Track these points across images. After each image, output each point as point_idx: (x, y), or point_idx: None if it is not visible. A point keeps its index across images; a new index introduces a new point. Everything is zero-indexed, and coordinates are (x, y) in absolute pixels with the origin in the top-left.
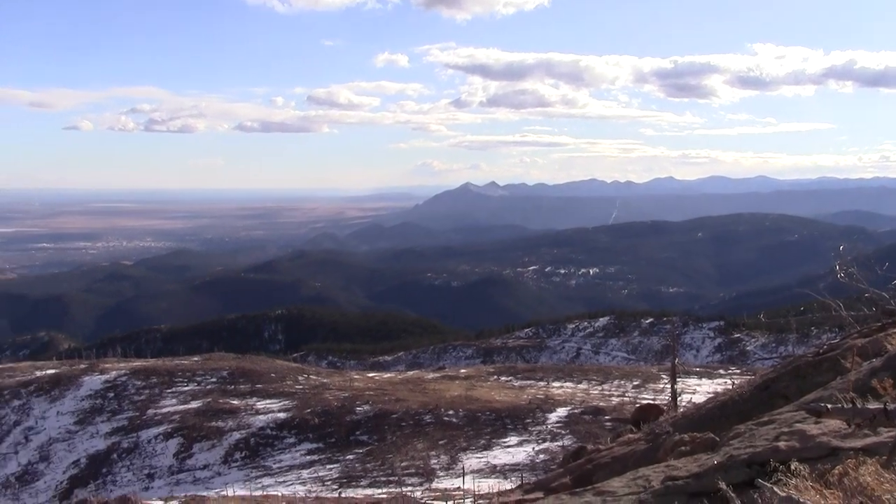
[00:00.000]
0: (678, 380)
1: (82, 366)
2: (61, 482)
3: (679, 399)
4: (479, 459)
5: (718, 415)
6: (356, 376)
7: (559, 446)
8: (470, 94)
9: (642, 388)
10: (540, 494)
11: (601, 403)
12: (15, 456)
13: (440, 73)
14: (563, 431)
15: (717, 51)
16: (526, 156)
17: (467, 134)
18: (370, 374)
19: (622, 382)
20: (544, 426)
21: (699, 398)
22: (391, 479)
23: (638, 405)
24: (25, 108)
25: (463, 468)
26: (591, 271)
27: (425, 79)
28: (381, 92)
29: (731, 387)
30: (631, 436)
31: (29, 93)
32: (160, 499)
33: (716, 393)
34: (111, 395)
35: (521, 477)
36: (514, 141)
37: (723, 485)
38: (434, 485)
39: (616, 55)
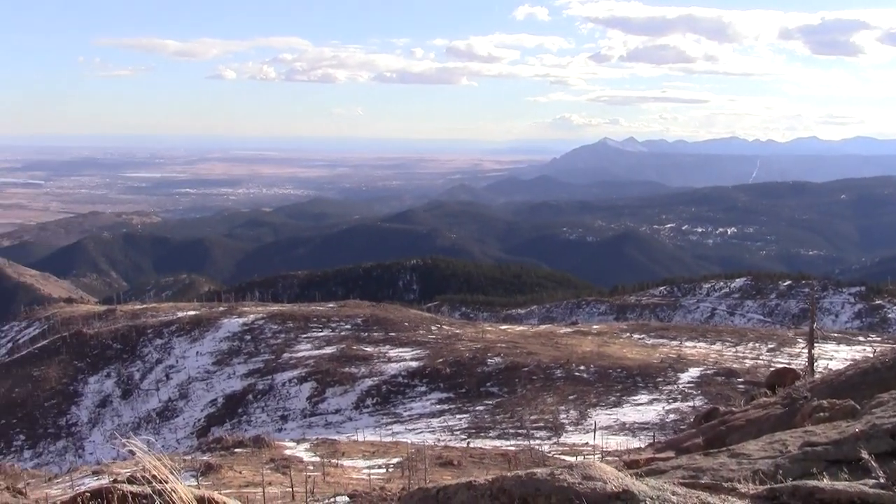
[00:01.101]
0: (815, 345)
1: (221, 308)
2: (199, 420)
3: (816, 364)
4: (608, 416)
5: (859, 382)
6: (488, 328)
7: (690, 407)
8: (609, 49)
9: (777, 352)
10: (671, 454)
11: (734, 365)
12: (156, 392)
13: (580, 27)
14: (694, 392)
15: (868, 6)
16: (666, 112)
17: (606, 88)
18: (502, 327)
19: (757, 345)
20: (675, 386)
21: (836, 365)
22: (520, 431)
23: (773, 369)
24: (171, 58)
25: (595, 424)
26: (729, 231)
27: (565, 32)
28: (520, 45)
29: (871, 355)
30: (766, 399)
31: (175, 42)
32: (293, 440)
33: (855, 360)
34: (248, 337)
35: (653, 436)
36: (653, 97)
37: (864, 454)
38: (562, 439)
39: (761, 10)
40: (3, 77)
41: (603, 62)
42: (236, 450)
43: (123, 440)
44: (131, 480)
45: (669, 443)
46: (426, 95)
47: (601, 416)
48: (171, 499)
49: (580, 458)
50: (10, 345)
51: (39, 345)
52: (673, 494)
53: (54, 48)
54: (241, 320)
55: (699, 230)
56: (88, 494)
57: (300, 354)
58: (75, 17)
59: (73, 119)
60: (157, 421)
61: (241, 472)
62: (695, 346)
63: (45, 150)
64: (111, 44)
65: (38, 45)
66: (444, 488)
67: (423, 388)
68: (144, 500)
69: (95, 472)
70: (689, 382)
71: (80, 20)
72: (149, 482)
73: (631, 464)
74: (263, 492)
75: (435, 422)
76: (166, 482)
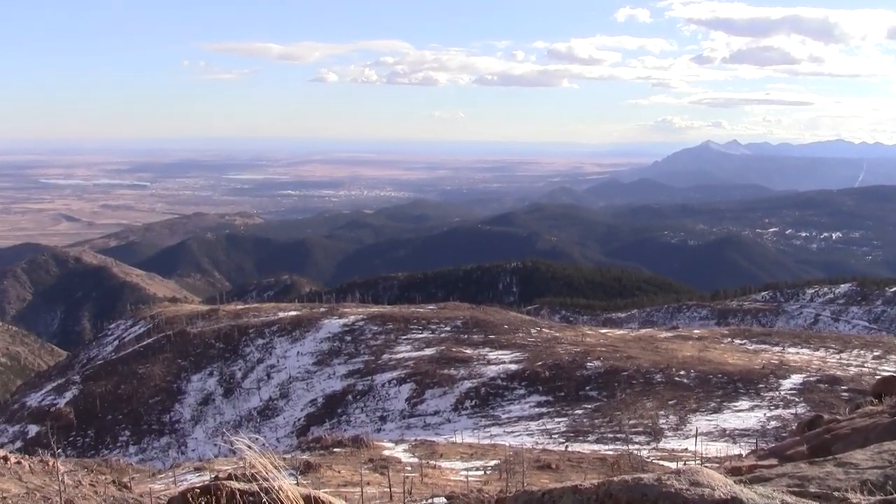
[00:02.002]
0: None
1: (322, 309)
2: (299, 419)
3: None
4: (708, 422)
5: None
6: (588, 332)
7: (792, 414)
8: (712, 50)
9: (883, 360)
10: (774, 461)
11: (838, 373)
12: (257, 391)
13: (682, 28)
14: (796, 399)
15: None
16: (769, 114)
17: (709, 91)
18: (602, 330)
19: (862, 352)
20: (777, 392)
21: None
22: (618, 436)
23: (880, 377)
24: (274, 61)
25: (696, 430)
26: (834, 235)
27: (667, 34)
28: (621, 47)
29: None
30: (872, 408)
31: (278, 46)
32: (391, 441)
33: None
34: (349, 338)
35: (756, 443)
36: (757, 99)
37: None
38: (661, 445)
39: (869, 9)
40: (111, 82)
41: (705, 64)
42: (335, 449)
43: (232, 438)
44: (232, 477)
45: (772, 450)
46: (527, 98)
47: (701, 422)
48: (277, 497)
49: (684, 464)
50: (116, 342)
51: (144, 343)
52: (782, 503)
53: (160, 53)
54: (341, 321)
55: (803, 234)
56: (198, 491)
57: (400, 356)
58: (180, 22)
59: (179, 122)
60: (258, 419)
61: (339, 472)
62: (797, 353)
63: (151, 152)
64: (216, 48)
65: (144, 51)
66: (550, 491)
67: (522, 391)
68: (251, 498)
69: (197, 469)
70: (791, 389)
71: (185, 25)
72: (250, 480)
73: (733, 470)
74: (362, 491)
75: (533, 425)
76: (273, 480)
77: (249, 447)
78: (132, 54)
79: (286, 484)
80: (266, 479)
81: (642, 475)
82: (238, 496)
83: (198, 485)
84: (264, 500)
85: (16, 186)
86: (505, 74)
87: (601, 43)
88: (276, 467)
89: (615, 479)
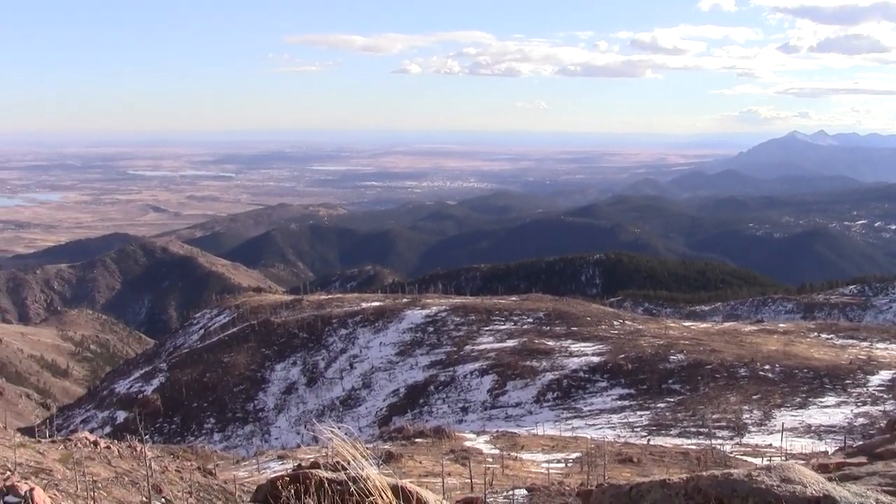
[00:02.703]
0: None
1: (405, 300)
2: (381, 409)
3: None
4: (793, 418)
5: None
6: (671, 324)
7: (881, 411)
8: (799, 39)
9: None
10: (863, 459)
11: None
12: (340, 381)
13: (768, 17)
14: (885, 396)
15: None
16: (858, 104)
17: (795, 80)
18: (686, 324)
19: None
20: (865, 389)
21: None
22: (701, 430)
23: None
24: (357, 53)
25: (781, 426)
26: None
27: (752, 23)
28: (706, 36)
29: None
30: None
31: (361, 38)
32: (473, 432)
33: None
34: (431, 329)
35: (843, 440)
36: (845, 88)
37: None
38: (744, 440)
39: None
40: (198, 75)
41: (792, 53)
42: (417, 440)
43: (320, 426)
44: (316, 466)
45: (861, 448)
46: (610, 88)
47: (786, 418)
48: (365, 486)
49: (769, 460)
50: (201, 331)
51: (229, 332)
52: (876, 503)
53: (245, 46)
54: (424, 312)
55: (893, 227)
56: (287, 479)
57: (482, 347)
58: (266, 15)
59: (263, 114)
60: (341, 409)
61: (421, 462)
62: (886, 349)
63: (236, 144)
64: (300, 40)
65: (230, 44)
66: (638, 485)
67: (604, 384)
68: (339, 487)
69: (280, 457)
70: (879, 386)
71: (270, 19)
72: (335, 468)
73: (820, 468)
74: (443, 482)
75: (615, 418)
76: (361, 469)
77: (337, 436)
78: (218, 48)
79: (374, 473)
80: (349, 469)
81: (732, 470)
82: (326, 485)
83: (286, 473)
84: (352, 489)
85: (105, 178)
86: (588, 65)
87: (685, 32)
88: (364, 457)
89: (704, 473)
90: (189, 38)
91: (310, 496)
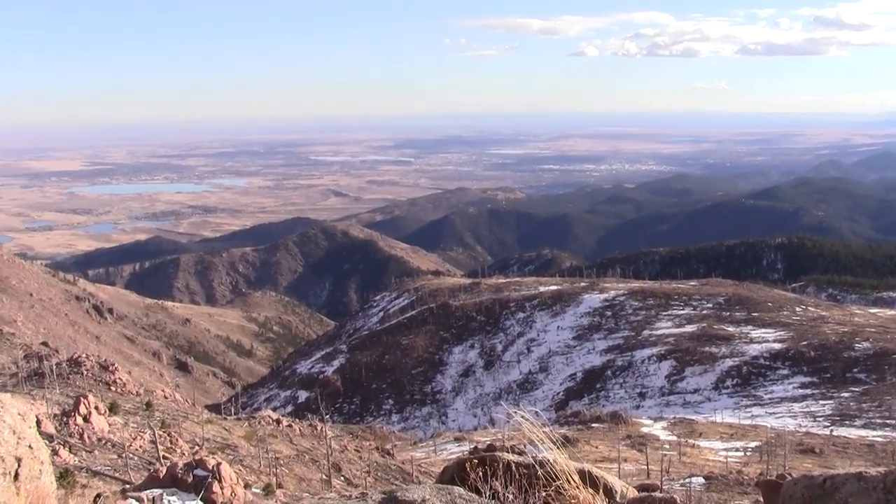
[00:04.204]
0: None
1: (582, 284)
2: (557, 393)
3: None
4: None
5: None
6: (857, 311)
7: None
8: None
9: None
10: None
11: None
12: (517, 365)
13: None
14: None
15: None
16: None
17: None
18: (872, 310)
19: None
20: None
21: None
22: (888, 422)
23: None
24: (534, 36)
25: None
26: None
27: None
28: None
29: None
30: None
31: (538, 21)
32: (650, 418)
33: None
34: (609, 313)
35: None
36: None
37: None
38: None
39: None
40: (377, 61)
41: None
42: (593, 424)
43: (508, 409)
44: (491, 448)
45: None
46: (792, 67)
47: None
48: (552, 469)
49: None
50: (381, 314)
51: (408, 315)
52: None
53: (423, 32)
54: (601, 296)
55: None
56: (476, 461)
57: (660, 332)
58: (442, 1)
59: (441, 99)
60: (517, 392)
61: (597, 447)
62: None
63: (414, 129)
64: (477, 25)
65: (408, 30)
66: (832, 477)
67: (786, 371)
68: (525, 470)
69: (457, 439)
70: None
71: (446, 4)
72: (510, 451)
73: None
74: (619, 468)
75: (796, 406)
76: (548, 452)
77: (531, 420)
78: (396, 33)
79: (560, 457)
80: (526, 452)
81: None
82: (513, 468)
83: (475, 455)
84: (539, 472)
85: (287, 164)
86: (769, 43)
87: (873, 7)
88: (552, 440)
89: None
90: (369, 25)
91: (497, 479)
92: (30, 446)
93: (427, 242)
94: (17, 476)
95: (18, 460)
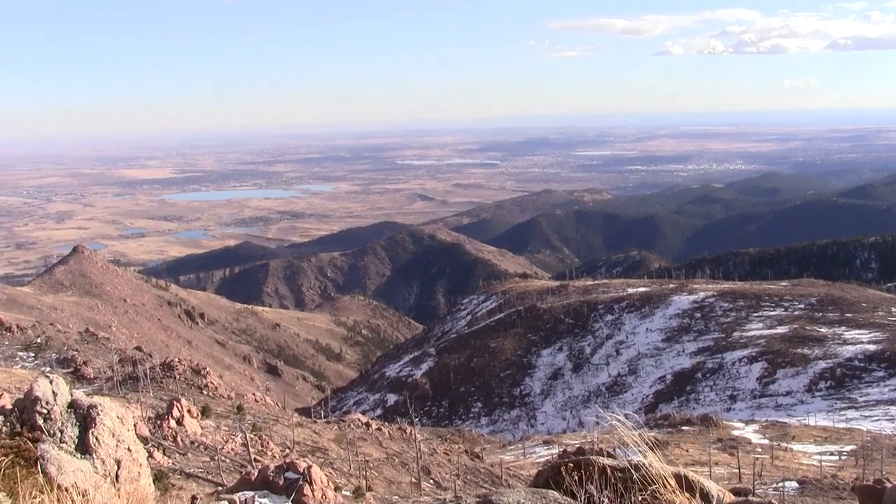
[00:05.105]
0: None
1: (671, 285)
2: (647, 395)
3: None
4: None
5: None
6: None
7: None
8: None
9: None
10: None
11: None
12: (606, 367)
13: None
14: None
15: None
16: None
17: None
18: None
19: None
20: None
21: None
22: None
23: None
24: (618, 36)
25: None
26: None
27: None
28: None
29: None
30: None
31: (623, 21)
32: (741, 421)
33: None
34: (698, 315)
35: None
36: None
37: None
38: None
39: None
40: (462, 65)
41: None
42: (683, 427)
43: (605, 413)
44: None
45: None
46: (885, 61)
47: None
48: (647, 473)
49: None
50: (469, 317)
51: (496, 318)
52: None
53: (507, 35)
54: (691, 297)
55: None
56: (571, 465)
57: (751, 333)
58: (526, 3)
59: (526, 101)
60: (606, 395)
61: (687, 450)
62: None
63: (501, 131)
64: (560, 26)
65: (492, 33)
66: None
67: (882, 373)
68: (620, 474)
69: (546, 442)
70: None
71: (530, 6)
72: (599, 454)
73: None
74: (710, 471)
75: (893, 410)
76: (643, 456)
77: (626, 424)
78: (482, 37)
79: (656, 461)
80: (616, 456)
81: None
82: (609, 472)
83: (570, 459)
84: (634, 476)
85: (374, 168)
86: (860, 37)
87: None
88: (648, 444)
89: None
90: (455, 28)
91: (592, 483)
92: (129, 449)
93: (514, 245)
94: (116, 478)
95: (118, 462)
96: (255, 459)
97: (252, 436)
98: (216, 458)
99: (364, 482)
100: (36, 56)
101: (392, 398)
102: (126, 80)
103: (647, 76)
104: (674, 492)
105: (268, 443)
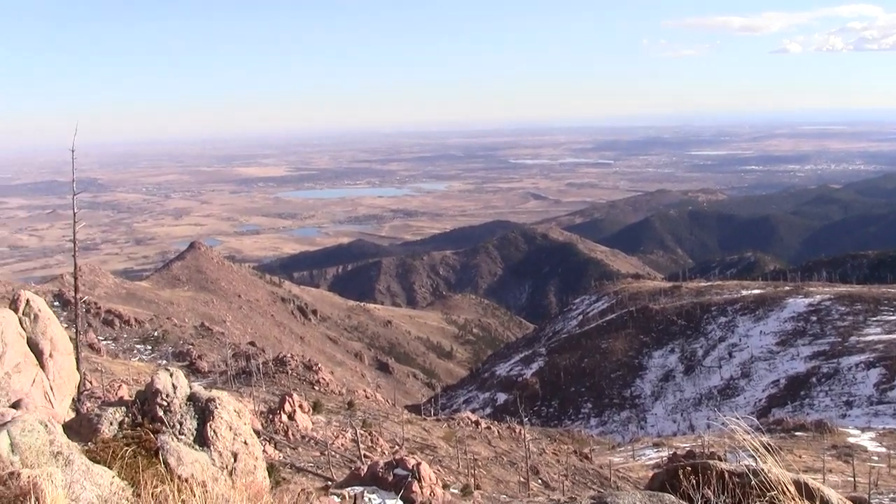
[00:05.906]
0: None
1: (787, 288)
2: (759, 399)
3: None
4: None
5: None
6: None
7: None
8: None
9: None
10: None
11: None
12: (718, 370)
13: None
14: None
15: None
16: None
17: None
18: None
19: None
20: None
21: None
22: None
23: None
24: (735, 34)
25: None
26: None
27: None
28: None
29: None
30: None
31: (739, 18)
32: (857, 428)
33: None
34: (814, 318)
35: None
36: None
37: None
38: None
39: None
40: (578, 63)
41: None
42: (796, 433)
43: (724, 418)
44: (690, 455)
45: None
46: None
47: None
48: (766, 478)
49: None
50: (580, 317)
51: (607, 318)
52: None
53: (621, 33)
54: (806, 300)
55: None
56: (689, 468)
57: (868, 338)
58: (641, 3)
59: (641, 100)
60: (718, 398)
61: (800, 457)
62: None
63: (614, 130)
64: (676, 25)
65: (606, 31)
66: None
67: None
68: (738, 479)
69: (656, 445)
70: None
71: (645, 4)
72: (709, 458)
73: None
74: (823, 479)
75: None
76: (762, 461)
77: (745, 429)
78: (597, 36)
79: (775, 467)
80: (726, 460)
81: None
82: (726, 476)
83: (688, 463)
84: (752, 482)
85: (487, 167)
86: None
87: None
88: (767, 449)
89: None
90: (570, 29)
91: (709, 487)
92: (245, 442)
93: (626, 245)
94: (233, 470)
95: (235, 455)
96: (365, 455)
97: (362, 432)
98: (326, 452)
99: (472, 480)
100: (158, 58)
101: (502, 397)
102: (241, 78)
103: (764, 74)
104: (793, 499)
105: (377, 439)
